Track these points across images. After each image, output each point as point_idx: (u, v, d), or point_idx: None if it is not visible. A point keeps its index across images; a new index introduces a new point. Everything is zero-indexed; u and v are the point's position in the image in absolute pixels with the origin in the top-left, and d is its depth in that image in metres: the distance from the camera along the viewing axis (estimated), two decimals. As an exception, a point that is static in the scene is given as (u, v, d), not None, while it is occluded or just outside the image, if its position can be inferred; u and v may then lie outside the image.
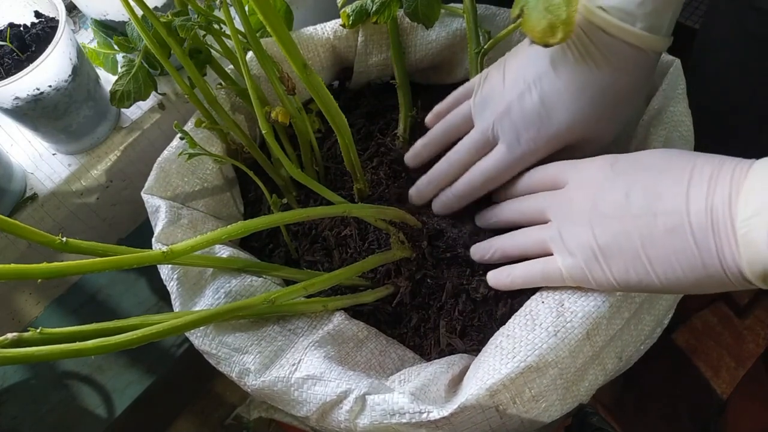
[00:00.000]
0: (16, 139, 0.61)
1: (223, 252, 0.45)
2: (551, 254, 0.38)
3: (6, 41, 0.52)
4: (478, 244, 0.44)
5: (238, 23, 0.40)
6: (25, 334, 0.30)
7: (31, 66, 0.48)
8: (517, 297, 0.43)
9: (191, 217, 0.47)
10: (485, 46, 0.49)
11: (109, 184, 0.62)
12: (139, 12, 0.41)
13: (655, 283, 0.32)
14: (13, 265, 0.28)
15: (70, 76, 0.52)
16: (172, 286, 0.43)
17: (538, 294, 0.38)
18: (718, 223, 0.29)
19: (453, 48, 0.54)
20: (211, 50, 0.48)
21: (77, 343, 0.29)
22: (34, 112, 0.52)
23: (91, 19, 0.59)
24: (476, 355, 0.39)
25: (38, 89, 0.50)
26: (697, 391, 0.80)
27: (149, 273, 0.65)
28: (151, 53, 0.44)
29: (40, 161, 0.60)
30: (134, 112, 0.62)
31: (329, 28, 0.54)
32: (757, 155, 0.30)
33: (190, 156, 0.46)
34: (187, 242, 0.35)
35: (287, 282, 0.46)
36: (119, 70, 0.49)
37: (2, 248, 0.57)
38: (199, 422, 0.76)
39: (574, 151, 0.41)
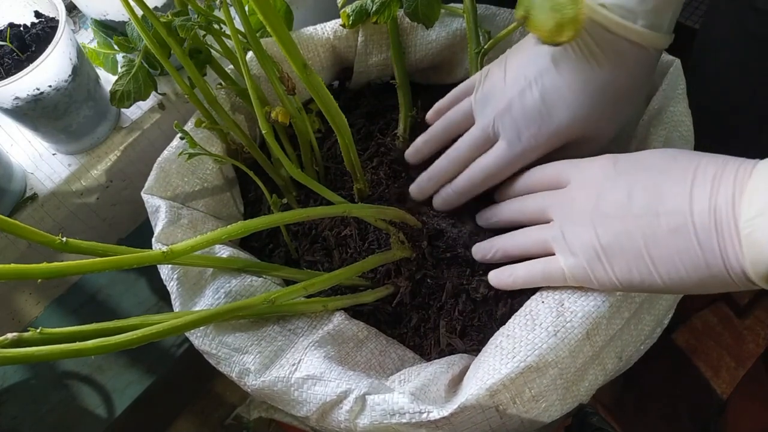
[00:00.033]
0: (16, 139, 0.61)
1: (223, 252, 0.45)
2: (553, 254, 0.38)
3: (6, 41, 0.52)
4: (479, 243, 0.44)
5: (238, 23, 0.40)
6: (25, 334, 0.30)
7: (31, 66, 0.48)
8: (517, 297, 0.43)
9: (191, 217, 0.47)
10: (485, 46, 0.49)
11: (109, 184, 0.62)
12: (139, 12, 0.41)
13: (658, 283, 0.32)
14: (13, 265, 0.28)
15: (70, 76, 0.52)
16: (172, 286, 0.43)
17: (538, 294, 0.38)
18: (722, 223, 0.29)
19: (453, 48, 0.54)
20: (211, 50, 0.48)
21: (77, 343, 0.29)
22: (34, 112, 0.52)
23: (91, 19, 0.59)
24: (476, 355, 0.39)
25: (38, 89, 0.50)
26: (697, 391, 0.80)
27: (149, 273, 0.65)
28: (151, 53, 0.44)
29: (40, 161, 0.60)
30: (134, 112, 0.62)
31: (329, 28, 0.54)
32: (758, 155, 0.30)
33: (190, 156, 0.46)
34: (187, 242, 0.35)
35: (287, 282, 0.46)
36: (119, 70, 0.49)
37: (2, 248, 0.57)
38: (199, 422, 0.76)
39: (574, 148, 0.41)
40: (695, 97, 0.44)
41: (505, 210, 0.43)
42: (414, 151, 0.49)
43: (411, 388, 0.36)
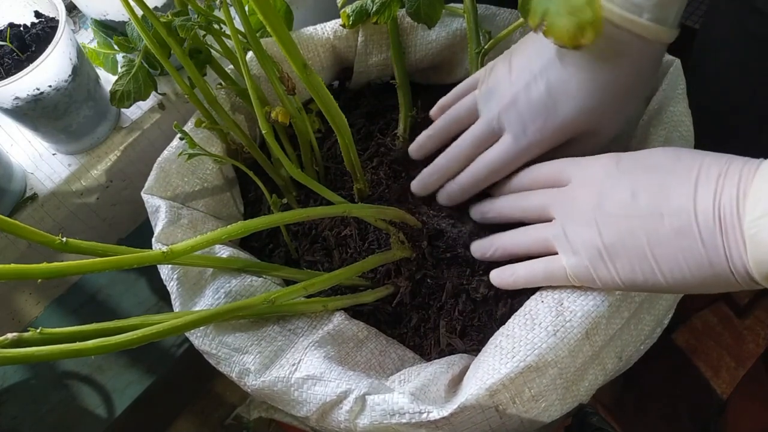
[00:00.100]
0: (16, 139, 0.61)
1: (223, 252, 0.45)
2: (554, 253, 0.37)
3: (6, 41, 0.52)
4: (478, 241, 0.44)
5: (238, 23, 0.40)
6: (25, 334, 0.30)
7: (31, 66, 0.48)
8: (517, 297, 0.43)
9: (191, 217, 0.47)
10: (486, 46, 0.49)
11: (109, 184, 0.62)
12: (139, 12, 0.41)
13: (661, 283, 0.32)
14: (13, 265, 0.28)
15: (70, 76, 0.52)
16: (172, 286, 0.43)
17: (537, 293, 0.38)
18: (726, 223, 0.29)
19: (453, 48, 0.54)
20: (211, 50, 0.48)
21: (77, 343, 0.29)
22: (34, 112, 0.52)
23: (91, 19, 0.59)
24: (476, 355, 0.39)
25: (38, 89, 0.50)
26: (697, 391, 0.80)
27: (149, 273, 0.65)
28: (151, 53, 0.44)
29: (40, 161, 0.60)
30: (134, 112, 0.62)
31: (329, 28, 0.54)
32: (758, 155, 0.30)
33: (190, 156, 0.46)
34: (187, 242, 0.35)
35: (287, 282, 0.46)
36: (119, 70, 0.49)
37: (2, 248, 0.57)
38: (199, 422, 0.76)
39: (578, 144, 0.41)
40: (695, 97, 0.44)
41: (504, 205, 0.43)
42: (417, 146, 0.49)
43: (411, 388, 0.36)
